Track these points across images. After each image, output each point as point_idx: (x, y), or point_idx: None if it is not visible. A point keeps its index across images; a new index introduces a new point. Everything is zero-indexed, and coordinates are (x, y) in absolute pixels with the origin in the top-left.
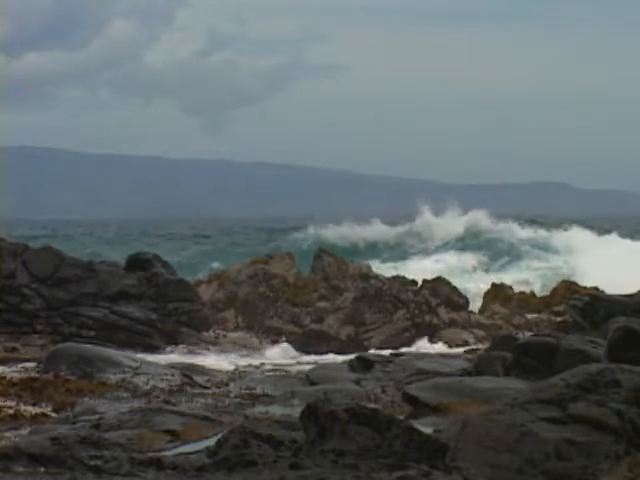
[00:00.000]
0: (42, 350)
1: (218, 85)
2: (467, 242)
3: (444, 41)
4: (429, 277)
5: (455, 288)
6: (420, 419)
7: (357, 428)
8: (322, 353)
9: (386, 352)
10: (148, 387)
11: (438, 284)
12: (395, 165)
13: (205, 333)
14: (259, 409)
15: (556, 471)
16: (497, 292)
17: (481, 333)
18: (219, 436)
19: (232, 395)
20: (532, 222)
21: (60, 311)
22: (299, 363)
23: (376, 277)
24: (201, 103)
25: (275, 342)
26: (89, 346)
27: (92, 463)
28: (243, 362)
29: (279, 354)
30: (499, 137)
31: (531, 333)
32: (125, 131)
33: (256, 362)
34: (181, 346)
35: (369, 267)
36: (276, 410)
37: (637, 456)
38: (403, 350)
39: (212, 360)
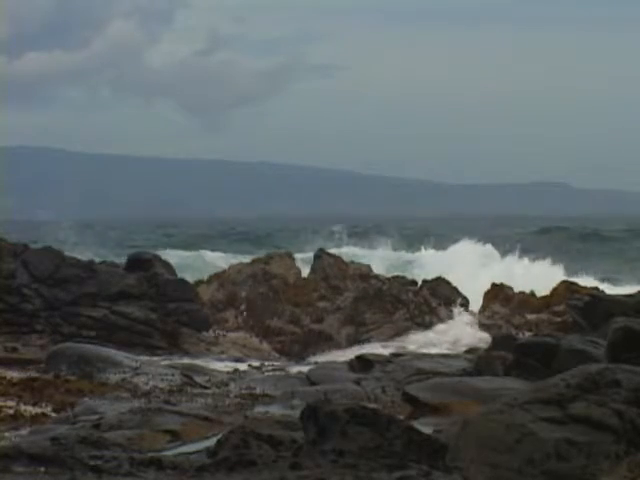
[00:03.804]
0: (42, 350)
1: (218, 85)
2: None
3: (444, 41)
4: None
5: (455, 288)
6: (420, 419)
7: (357, 428)
8: (322, 353)
9: (386, 352)
10: (148, 387)
11: (438, 284)
12: (395, 165)
13: (205, 333)
14: (259, 409)
15: (556, 471)
16: (497, 292)
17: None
18: (219, 436)
19: (232, 395)
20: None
21: (60, 311)
22: (299, 363)
23: (376, 277)
24: (201, 103)
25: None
26: (89, 346)
27: (92, 463)
28: (243, 362)
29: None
30: (499, 137)
31: (531, 333)
32: (125, 131)
33: (256, 362)
34: (181, 346)
35: (369, 267)
36: (276, 410)
37: (637, 456)
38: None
39: (212, 360)
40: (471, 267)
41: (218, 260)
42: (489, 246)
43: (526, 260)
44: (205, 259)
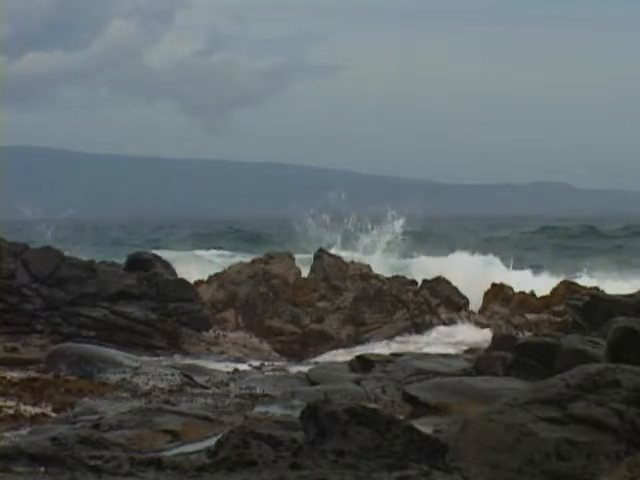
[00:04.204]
0: (42, 350)
1: (218, 85)
2: None
3: (444, 41)
4: None
5: (455, 288)
6: (420, 419)
7: (357, 428)
8: (322, 353)
9: (386, 352)
10: (148, 387)
11: (438, 284)
12: (395, 165)
13: (205, 333)
14: (259, 409)
15: (556, 471)
16: (497, 292)
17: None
18: (219, 436)
19: (232, 395)
20: None
21: (60, 311)
22: (299, 363)
23: (376, 277)
24: (201, 103)
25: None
26: (89, 346)
27: (92, 463)
28: (243, 362)
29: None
30: (499, 137)
31: (531, 333)
32: (125, 131)
33: (256, 362)
34: (181, 346)
35: (369, 267)
36: (276, 410)
37: (637, 456)
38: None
39: (212, 360)
40: (464, 280)
41: (217, 260)
42: (481, 258)
43: (522, 272)
44: (204, 259)
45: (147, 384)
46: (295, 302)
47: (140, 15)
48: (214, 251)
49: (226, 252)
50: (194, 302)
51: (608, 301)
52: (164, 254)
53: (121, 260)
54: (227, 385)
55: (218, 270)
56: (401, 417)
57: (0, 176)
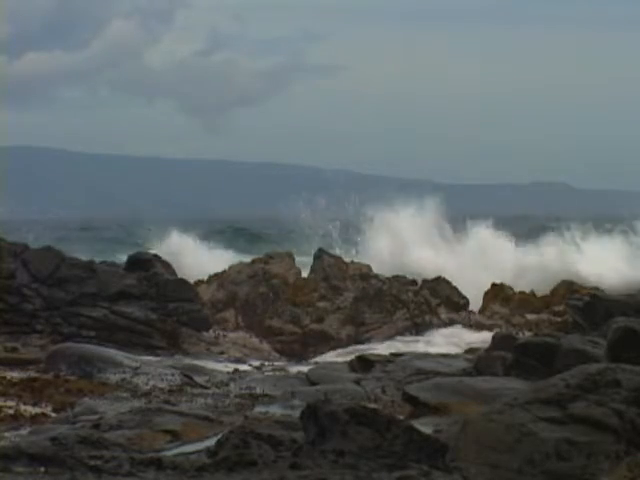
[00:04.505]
0: (42, 350)
1: (218, 85)
2: None
3: (444, 41)
4: None
5: (455, 288)
6: (420, 419)
7: (357, 428)
8: (322, 353)
9: (386, 352)
10: (148, 387)
11: (438, 284)
12: (395, 165)
13: (205, 333)
14: (259, 409)
15: (556, 471)
16: (497, 292)
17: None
18: (219, 436)
19: (232, 395)
20: None
21: (60, 311)
22: (299, 363)
23: (376, 277)
24: (201, 103)
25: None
26: (89, 346)
27: (92, 463)
28: (243, 362)
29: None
30: (499, 137)
31: (531, 333)
32: (125, 131)
33: (256, 362)
34: (181, 346)
35: (369, 267)
36: (276, 410)
37: (637, 456)
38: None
39: (212, 360)
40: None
41: (217, 260)
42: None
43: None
44: (204, 259)
45: (147, 384)
46: (295, 302)
47: (140, 15)
48: (214, 251)
49: (226, 252)
50: (194, 302)
51: (608, 301)
52: (164, 254)
53: (121, 260)
54: (227, 385)
55: (218, 270)
56: (401, 417)
57: (0, 176)
